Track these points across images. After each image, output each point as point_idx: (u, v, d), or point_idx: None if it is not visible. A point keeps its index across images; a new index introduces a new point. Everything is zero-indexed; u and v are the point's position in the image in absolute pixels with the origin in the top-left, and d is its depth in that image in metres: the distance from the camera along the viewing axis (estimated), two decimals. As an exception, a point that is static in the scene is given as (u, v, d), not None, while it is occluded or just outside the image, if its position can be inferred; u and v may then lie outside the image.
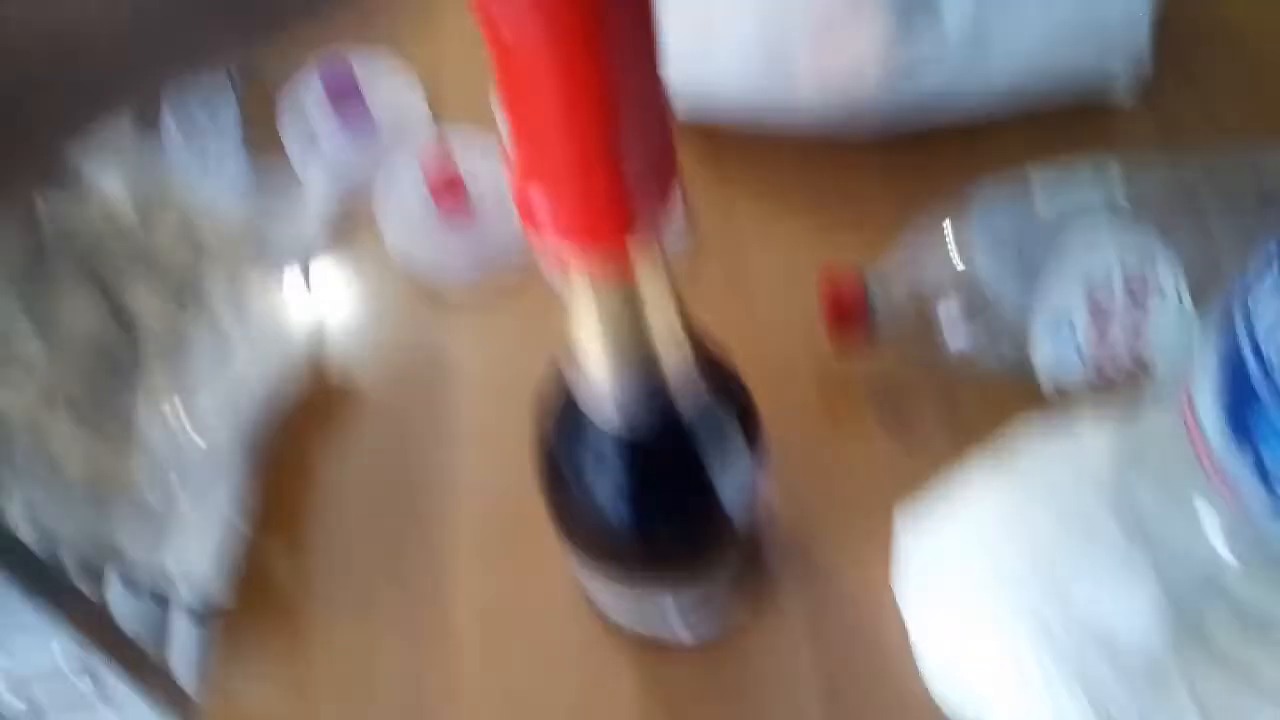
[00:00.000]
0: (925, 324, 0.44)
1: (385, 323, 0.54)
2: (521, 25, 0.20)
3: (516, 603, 0.45)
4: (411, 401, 0.52)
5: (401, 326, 0.54)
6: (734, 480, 0.34)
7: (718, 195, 0.55)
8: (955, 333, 0.43)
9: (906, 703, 0.41)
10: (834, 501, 0.46)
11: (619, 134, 0.22)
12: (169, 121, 0.61)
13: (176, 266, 0.47)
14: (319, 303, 0.55)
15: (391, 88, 0.60)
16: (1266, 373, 0.29)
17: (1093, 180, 0.43)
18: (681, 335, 0.30)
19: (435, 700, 0.44)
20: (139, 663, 0.43)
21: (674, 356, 0.30)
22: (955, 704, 0.40)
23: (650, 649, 0.44)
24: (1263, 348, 0.29)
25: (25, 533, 0.39)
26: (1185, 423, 0.33)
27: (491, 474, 0.49)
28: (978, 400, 0.48)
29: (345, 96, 0.57)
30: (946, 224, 0.44)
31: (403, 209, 0.56)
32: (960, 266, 0.43)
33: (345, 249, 0.56)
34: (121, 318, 0.44)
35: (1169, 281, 0.41)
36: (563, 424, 0.34)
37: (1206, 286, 0.41)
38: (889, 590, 0.43)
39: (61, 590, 0.41)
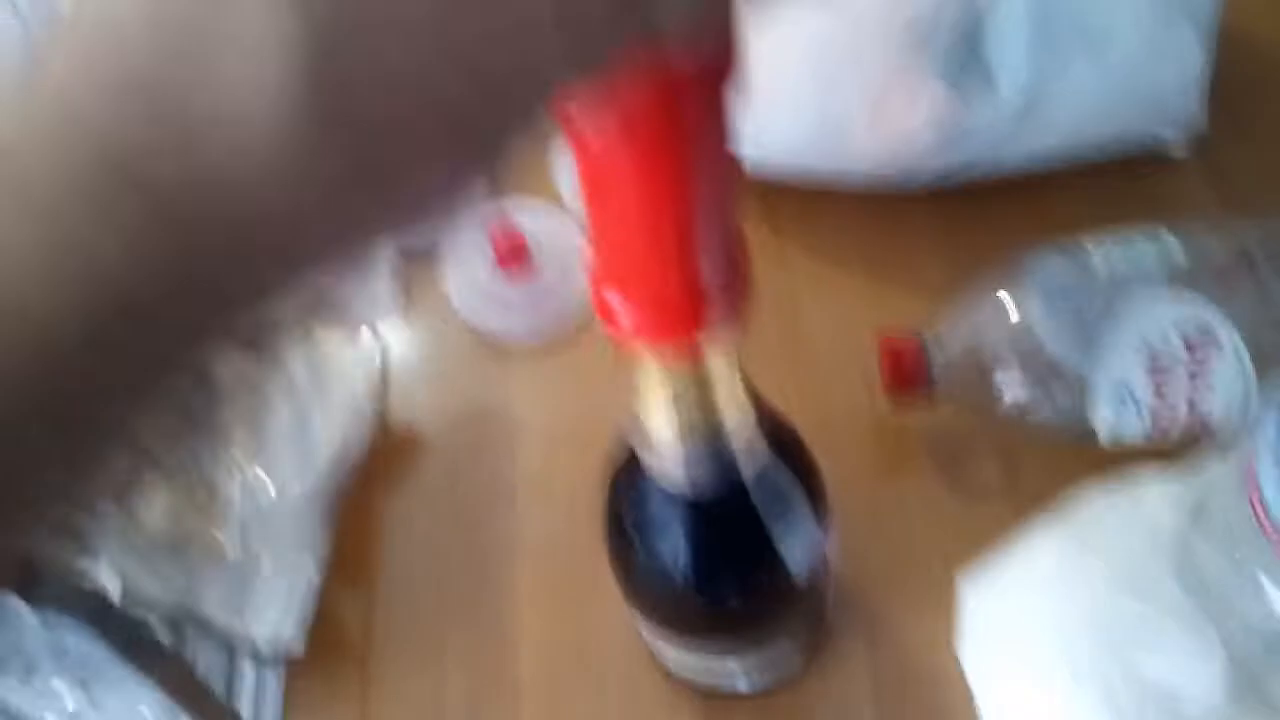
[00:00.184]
0: (983, 383, 0.45)
1: (451, 378, 0.56)
2: (608, 141, 0.22)
3: (579, 650, 0.46)
4: (476, 454, 0.53)
5: (466, 381, 0.56)
6: (799, 543, 0.34)
7: (771, 248, 0.56)
8: (1013, 391, 0.44)
9: (968, 760, 0.41)
10: (892, 554, 0.47)
11: (696, 245, 0.24)
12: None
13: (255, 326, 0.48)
14: (388, 360, 0.56)
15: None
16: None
17: (1149, 242, 0.44)
18: (745, 401, 0.32)
19: (501, 751, 0.45)
20: (220, 718, 0.44)
21: (738, 422, 0.31)
22: (1017, 762, 0.40)
23: (711, 698, 0.44)
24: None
25: (113, 592, 0.41)
26: (1248, 493, 0.33)
27: (553, 524, 0.50)
28: (1035, 454, 0.48)
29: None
30: (1005, 289, 0.44)
31: (468, 270, 0.57)
32: (1018, 329, 0.43)
33: (413, 308, 0.58)
34: (202, 377, 0.46)
35: (1227, 343, 0.41)
36: (630, 490, 0.35)
37: (1265, 347, 0.41)
38: (949, 646, 0.44)
39: (149, 650, 0.42)
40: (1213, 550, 0.36)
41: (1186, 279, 0.42)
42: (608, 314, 0.26)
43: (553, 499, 0.51)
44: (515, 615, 0.48)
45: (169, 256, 0.16)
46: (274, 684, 0.47)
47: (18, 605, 0.39)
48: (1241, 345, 0.41)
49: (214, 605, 0.44)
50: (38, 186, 0.16)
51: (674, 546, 0.34)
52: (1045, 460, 0.48)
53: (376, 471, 0.53)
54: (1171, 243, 0.44)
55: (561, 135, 0.22)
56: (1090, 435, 0.44)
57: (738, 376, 0.30)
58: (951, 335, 0.46)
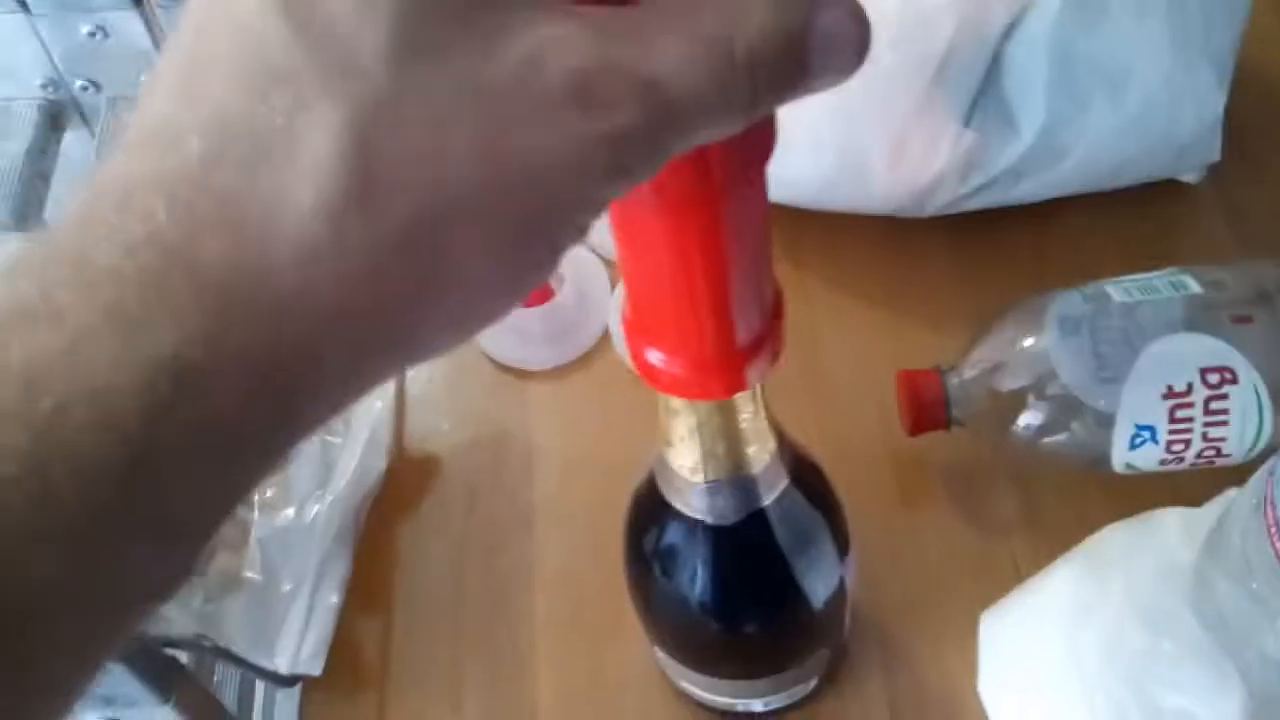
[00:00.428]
0: (1001, 415, 0.45)
1: (469, 403, 0.56)
2: (642, 202, 0.22)
3: (596, 676, 0.47)
4: (494, 479, 0.53)
5: (484, 407, 0.56)
6: (818, 573, 0.35)
7: (791, 279, 0.56)
8: (1030, 423, 0.44)
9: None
10: (909, 584, 0.47)
11: (731, 305, 0.24)
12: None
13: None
14: (406, 385, 0.57)
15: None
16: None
17: (1166, 277, 0.44)
18: (767, 432, 0.32)
19: (517, 777, 0.45)
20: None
21: (759, 452, 0.32)
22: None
23: (729, 726, 0.45)
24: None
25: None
26: (1265, 526, 0.33)
27: (571, 550, 0.50)
28: (1053, 486, 0.48)
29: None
30: (1023, 323, 0.45)
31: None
32: (1036, 362, 0.44)
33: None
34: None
35: (1244, 378, 0.42)
36: (651, 518, 0.35)
37: (1283, 381, 0.42)
38: (966, 676, 0.44)
39: (169, 671, 0.43)
40: (1229, 583, 0.37)
41: (1203, 314, 0.43)
42: (643, 365, 0.26)
43: (570, 525, 0.51)
44: (532, 640, 0.48)
45: (233, 349, 0.17)
46: (291, 707, 0.47)
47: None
48: (1258, 380, 0.42)
49: (234, 628, 0.44)
50: (105, 283, 0.16)
51: (694, 574, 0.35)
52: (1062, 492, 0.48)
53: (395, 496, 0.53)
54: (1188, 278, 0.44)
55: None
56: (1106, 467, 0.44)
57: (762, 408, 0.31)
58: (969, 367, 0.46)
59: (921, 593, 0.47)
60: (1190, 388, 0.42)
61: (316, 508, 0.47)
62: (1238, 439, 0.43)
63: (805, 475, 0.35)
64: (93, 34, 0.63)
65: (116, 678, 0.39)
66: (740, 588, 0.34)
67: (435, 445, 0.55)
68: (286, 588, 0.46)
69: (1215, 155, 0.52)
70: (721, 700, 0.42)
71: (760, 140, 0.22)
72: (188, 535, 0.18)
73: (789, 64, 0.19)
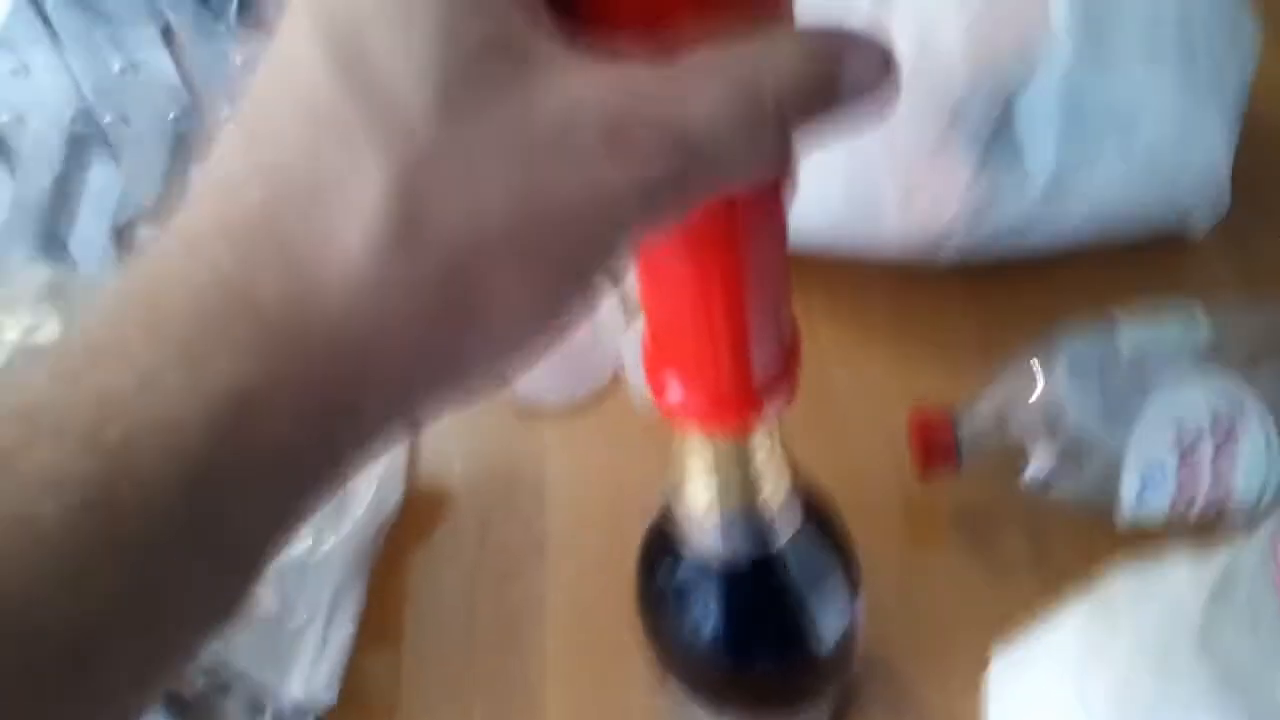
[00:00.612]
0: (1011, 456, 0.45)
1: (481, 437, 0.57)
2: (662, 239, 0.23)
3: (606, 710, 0.47)
4: (506, 513, 0.54)
5: (497, 440, 0.56)
6: (830, 612, 0.35)
7: (804, 320, 0.56)
8: (1041, 465, 0.45)
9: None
10: (919, 625, 0.47)
11: (750, 341, 0.25)
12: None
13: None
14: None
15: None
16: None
17: (1176, 321, 0.45)
18: (781, 470, 0.32)
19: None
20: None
21: (774, 490, 0.32)
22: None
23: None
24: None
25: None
26: (1271, 573, 0.33)
27: (582, 585, 0.51)
28: (1062, 528, 0.48)
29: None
30: (1034, 366, 0.45)
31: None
32: (1046, 404, 0.44)
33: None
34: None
35: (1255, 423, 0.42)
36: (664, 555, 0.35)
37: (1291, 428, 0.42)
38: (974, 718, 0.44)
39: (178, 701, 0.43)
40: (1237, 629, 0.37)
41: (1213, 358, 0.43)
42: (662, 396, 0.27)
43: (582, 560, 0.51)
44: (542, 673, 0.48)
45: (287, 379, 0.18)
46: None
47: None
48: (1269, 426, 0.42)
49: (247, 658, 0.45)
50: (172, 320, 0.18)
51: (706, 612, 0.35)
52: (1073, 535, 0.48)
53: (408, 529, 0.53)
54: (1198, 322, 0.45)
55: None
56: (1116, 511, 0.44)
57: (777, 447, 0.31)
58: (980, 409, 0.46)
59: (931, 633, 0.47)
60: (1200, 432, 0.42)
61: (332, 539, 0.48)
62: (1247, 485, 0.43)
63: (818, 515, 0.35)
64: (123, 70, 0.64)
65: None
66: (752, 627, 0.35)
67: (448, 479, 0.55)
68: (301, 619, 0.46)
69: (1224, 201, 0.53)
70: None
71: (783, 182, 0.22)
72: (244, 558, 0.19)
73: (819, 112, 0.19)
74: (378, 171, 0.18)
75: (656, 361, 0.27)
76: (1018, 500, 0.48)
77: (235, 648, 0.45)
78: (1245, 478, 0.43)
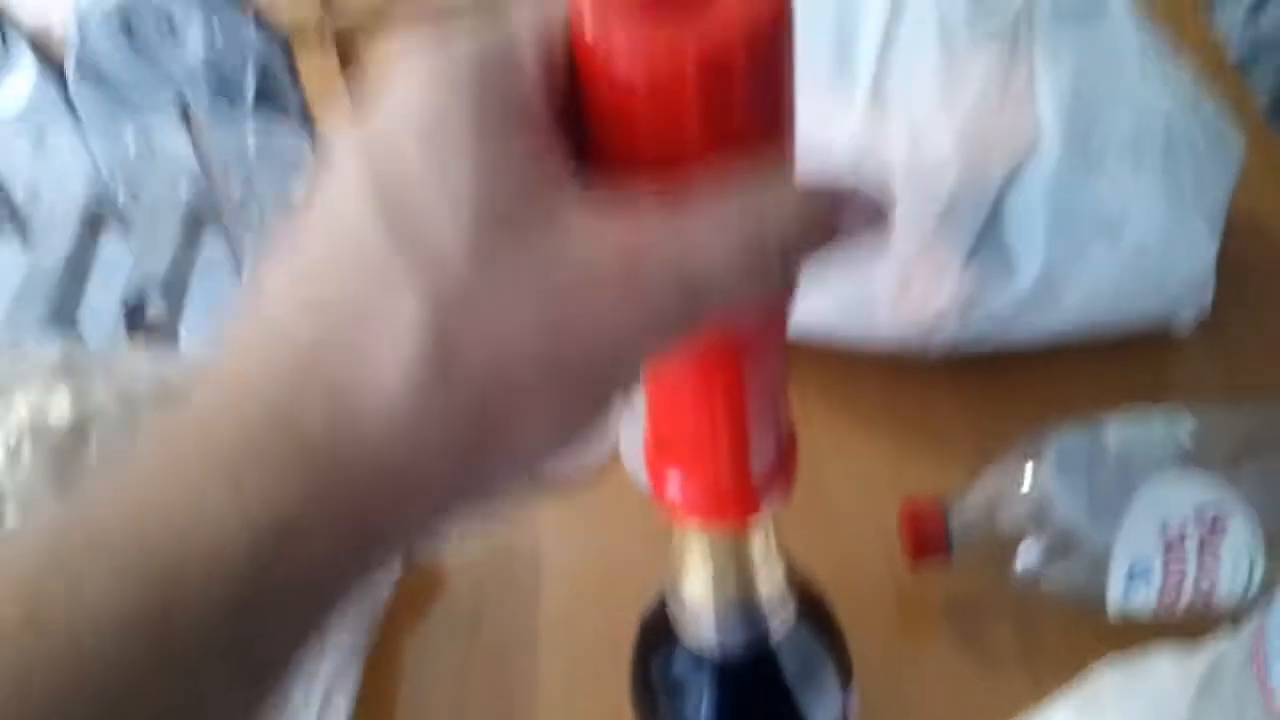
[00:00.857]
0: (1001, 550, 0.46)
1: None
2: (671, 359, 0.24)
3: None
4: (501, 594, 0.54)
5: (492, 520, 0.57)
6: (823, 705, 0.36)
7: (797, 409, 0.58)
8: (1030, 559, 0.45)
9: None
10: (910, 714, 0.47)
11: (749, 441, 0.26)
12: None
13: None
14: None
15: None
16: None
17: (1162, 421, 0.46)
18: (776, 564, 0.33)
19: None
20: None
21: (769, 584, 0.33)
22: None
23: None
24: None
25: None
26: (1256, 672, 0.34)
27: (576, 669, 0.51)
28: (1052, 620, 0.49)
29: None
30: (1023, 460, 0.46)
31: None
32: (1035, 499, 0.45)
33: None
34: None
35: (1237, 521, 0.43)
36: (659, 646, 0.36)
37: (1274, 526, 0.43)
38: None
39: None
40: (1225, 725, 0.37)
41: (1197, 458, 0.44)
42: (661, 492, 0.28)
43: (577, 642, 0.52)
44: (535, 759, 0.48)
45: (327, 506, 0.19)
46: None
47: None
48: (1252, 523, 0.43)
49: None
50: (222, 448, 0.19)
51: (700, 703, 0.35)
52: (1062, 628, 0.49)
53: (401, 608, 0.54)
54: (1183, 422, 0.46)
55: None
56: (1103, 605, 0.45)
57: (772, 542, 0.32)
58: (971, 501, 0.47)
59: (921, 723, 0.47)
60: (1185, 529, 0.43)
61: (339, 631, 0.48)
62: (1231, 581, 0.44)
63: (811, 607, 0.36)
64: (140, 150, 0.66)
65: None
66: (745, 718, 0.35)
67: (444, 559, 0.56)
68: (299, 698, 0.46)
69: (1207, 301, 0.54)
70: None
71: (784, 298, 0.24)
72: (277, 672, 0.20)
73: (814, 246, 0.21)
74: (416, 313, 0.19)
75: (657, 459, 0.28)
76: (1008, 592, 0.49)
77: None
78: (1229, 575, 0.43)
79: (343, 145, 0.21)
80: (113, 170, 0.67)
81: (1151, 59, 0.52)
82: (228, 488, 0.19)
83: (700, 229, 0.20)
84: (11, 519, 0.45)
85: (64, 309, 0.65)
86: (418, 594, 0.54)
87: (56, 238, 0.68)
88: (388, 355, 0.19)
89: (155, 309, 0.64)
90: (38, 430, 0.47)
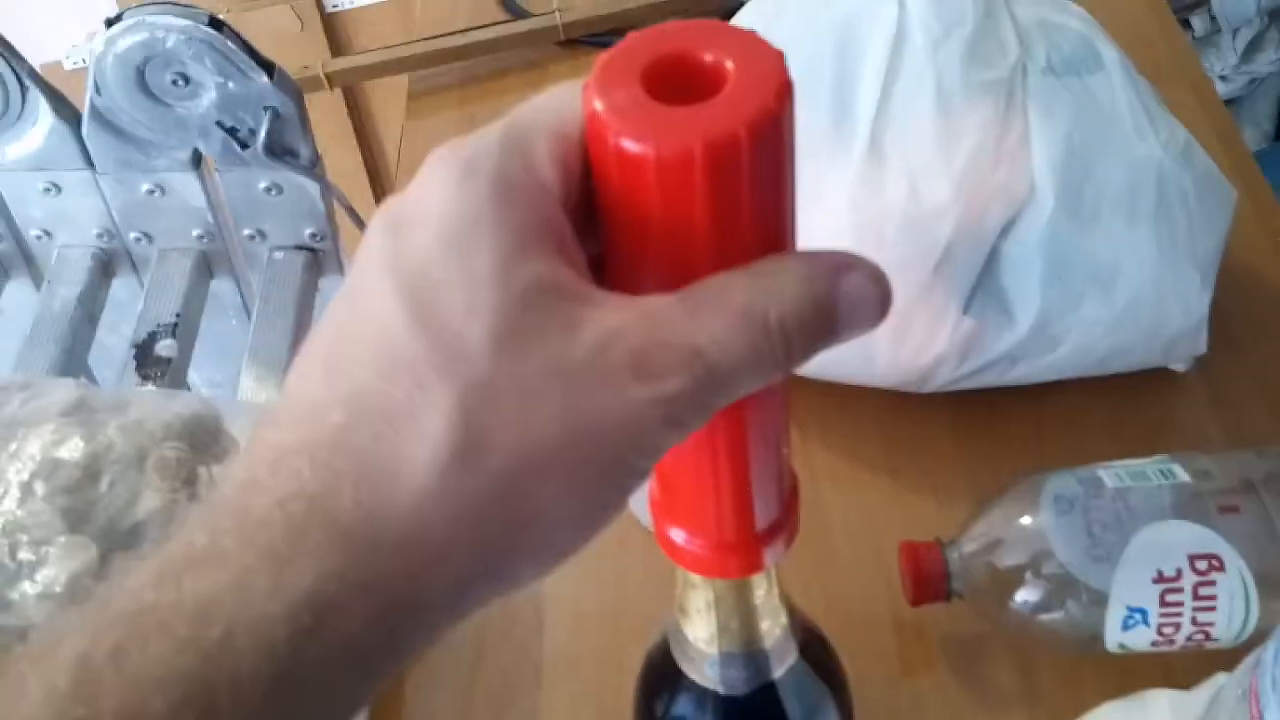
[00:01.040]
0: (999, 588, 0.47)
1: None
2: None
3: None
4: (504, 629, 0.54)
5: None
6: (823, 744, 0.36)
7: (796, 447, 0.58)
8: (1029, 602, 0.46)
9: None
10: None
11: (752, 497, 0.27)
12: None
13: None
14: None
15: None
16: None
17: (1156, 464, 0.47)
18: (779, 606, 0.34)
19: None
20: None
21: (771, 625, 0.34)
22: None
23: None
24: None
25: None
26: (1251, 712, 0.35)
27: (579, 707, 0.51)
28: (1050, 659, 0.49)
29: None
30: (1022, 505, 0.47)
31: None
32: (1032, 538, 0.46)
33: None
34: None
35: (1232, 566, 0.44)
36: (662, 685, 0.37)
37: (1268, 569, 0.44)
38: None
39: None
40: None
41: (1191, 503, 0.45)
42: (666, 542, 0.29)
43: (579, 678, 0.52)
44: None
45: (359, 582, 0.20)
46: None
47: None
48: (1244, 568, 0.44)
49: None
50: (261, 530, 0.20)
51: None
52: (1059, 668, 0.49)
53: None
54: (1176, 467, 0.47)
55: None
56: (1100, 645, 0.46)
57: (775, 586, 0.33)
58: (969, 542, 0.48)
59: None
60: (1179, 573, 0.44)
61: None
62: (1226, 624, 0.44)
63: (813, 647, 0.36)
64: (151, 191, 0.67)
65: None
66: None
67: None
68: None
69: (1201, 349, 0.55)
70: None
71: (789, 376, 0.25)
72: None
73: (818, 328, 0.22)
74: (443, 401, 0.20)
75: (662, 512, 0.29)
76: (1007, 631, 0.49)
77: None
78: (1225, 618, 0.44)
79: (374, 244, 0.22)
80: (123, 210, 0.68)
81: (1144, 112, 0.53)
82: (267, 566, 0.20)
83: (704, 310, 0.22)
84: (25, 553, 0.46)
85: (75, 350, 0.66)
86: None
87: (68, 278, 0.69)
88: (416, 442, 0.20)
89: (165, 350, 0.65)
90: (50, 467, 0.48)
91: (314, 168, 0.66)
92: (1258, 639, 0.44)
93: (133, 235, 0.70)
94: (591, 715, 0.51)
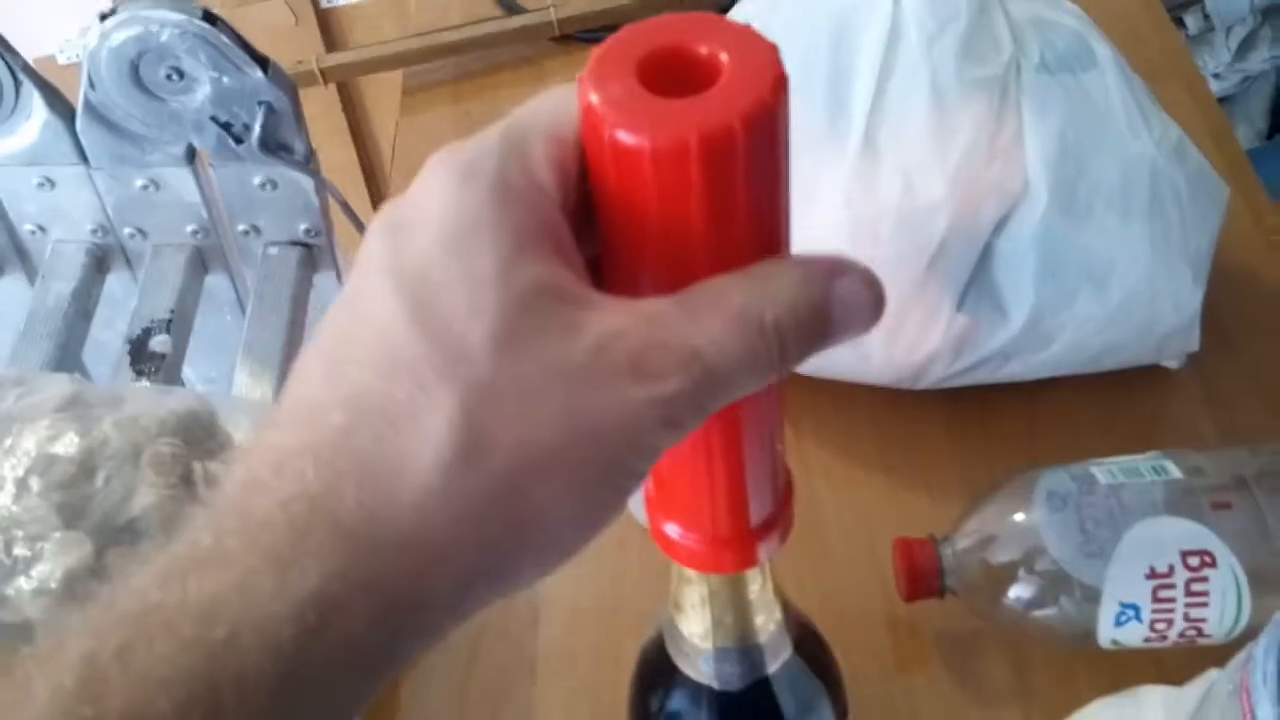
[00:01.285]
0: (994, 587, 0.47)
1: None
2: None
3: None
4: (499, 625, 0.54)
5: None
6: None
7: (790, 444, 0.59)
8: (1022, 598, 0.46)
9: None
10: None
11: (746, 494, 0.27)
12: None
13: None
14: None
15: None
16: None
17: (1148, 461, 0.47)
18: (773, 601, 0.34)
19: None
20: None
21: (766, 620, 0.34)
22: None
23: None
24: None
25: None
26: (1241, 706, 0.35)
27: (574, 702, 0.51)
28: (1043, 654, 0.50)
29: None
30: (1015, 501, 0.47)
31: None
32: (1026, 535, 0.46)
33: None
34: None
35: (1224, 562, 0.44)
36: (657, 680, 0.37)
37: (1260, 565, 0.44)
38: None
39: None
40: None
41: (1183, 500, 0.45)
42: (661, 537, 0.29)
43: (574, 674, 0.52)
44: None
45: (362, 582, 0.20)
46: None
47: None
48: (1236, 564, 0.44)
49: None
50: (264, 530, 0.20)
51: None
52: (1052, 664, 0.49)
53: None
54: (1169, 464, 0.47)
55: None
56: (1093, 641, 0.46)
57: (770, 581, 0.33)
58: (963, 538, 0.48)
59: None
60: (1171, 570, 0.44)
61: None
62: (1218, 620, 0.45)
63: (807, 643, 0.36)
64: (145, 187, 0.67)
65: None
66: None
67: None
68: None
69: (1194, 346, 0.55)
70: None
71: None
72: None
73: (812, 330, 0.23)
74: (444, 401, 0.21)
75: (657, 505, 0.29)
76: (1001, 627, 0.49)
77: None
78: (1217, 614, 0.44)
79: (374, 247, 0.23)
80: (117, 205, 0.68)
81: (1137, 109, 0.53)
82: (270, 567, 0.20)
83: (700, 312, 0.22)
84: (20, 549, 0.46)
85: (70, 345, 0.66)
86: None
87: (61, 273, 0.69)
88: (418, 443, 0.21)
89: (159, 345, 0.65)
90: (45, 462, 0.48)
91: (308, 163, 0.66)
92: (1250, 635, 0.44)
93: (127, 230, 0.70)
94: (587, 711, 0.51)
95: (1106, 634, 0.46)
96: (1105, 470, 0.47)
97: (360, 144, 1.53)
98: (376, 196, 1.51)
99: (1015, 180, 0.51)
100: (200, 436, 0.51)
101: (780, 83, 0.22)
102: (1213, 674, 0.40)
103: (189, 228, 0.69)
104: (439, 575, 0.21)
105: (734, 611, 0.32)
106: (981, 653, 0.50)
